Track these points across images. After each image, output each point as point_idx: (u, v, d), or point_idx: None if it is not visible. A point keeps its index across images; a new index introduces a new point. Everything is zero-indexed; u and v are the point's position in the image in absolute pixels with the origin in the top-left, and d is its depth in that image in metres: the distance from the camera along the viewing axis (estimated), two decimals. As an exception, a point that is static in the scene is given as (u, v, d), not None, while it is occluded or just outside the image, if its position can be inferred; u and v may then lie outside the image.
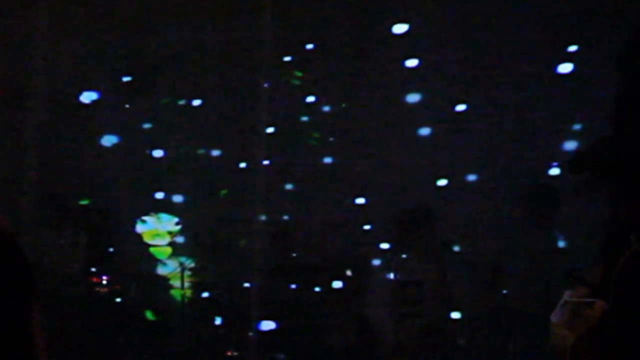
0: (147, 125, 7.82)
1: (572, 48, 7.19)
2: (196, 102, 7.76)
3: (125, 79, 7.75)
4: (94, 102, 7.68)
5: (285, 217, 7.71)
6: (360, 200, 7.50)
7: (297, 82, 7.53)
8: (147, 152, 7.72)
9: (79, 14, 7.57)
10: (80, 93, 7.69)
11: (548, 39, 7.08)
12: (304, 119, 7.71)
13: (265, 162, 7.45)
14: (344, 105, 7.46)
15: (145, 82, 7.68)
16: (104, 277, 7.48)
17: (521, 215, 6.82)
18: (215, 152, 7.71)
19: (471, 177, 7.34)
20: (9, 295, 1.39)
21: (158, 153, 7.75)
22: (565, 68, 7.12)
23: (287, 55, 7.52)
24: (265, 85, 7.49)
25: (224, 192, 7.68)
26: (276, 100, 7.55)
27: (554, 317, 1.81)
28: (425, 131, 7.38)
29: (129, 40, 7.67)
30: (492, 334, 6.61)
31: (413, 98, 7.38)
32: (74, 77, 7.68)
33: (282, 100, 7.56)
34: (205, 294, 7.51)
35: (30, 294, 1.44)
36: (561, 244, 6.88)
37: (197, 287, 7.51)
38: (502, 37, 7.12)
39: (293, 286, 7.39)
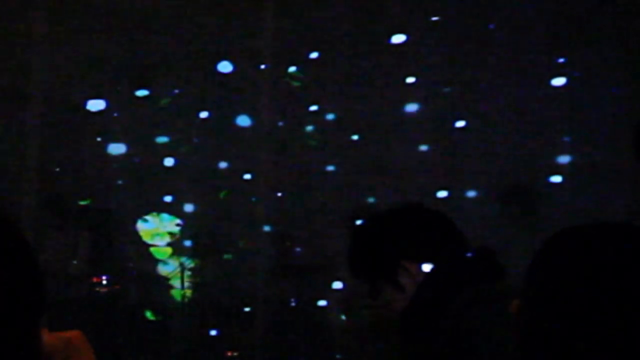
0: (148, 128, 7.83)
1: (562, 60, 7.21)
2: (196, 102, 7.76)
3: (126, 81, 7.75)
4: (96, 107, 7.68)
5: (285, 218, 7.73)
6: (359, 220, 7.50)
7: (297, 84, 7.54)
8: (148, 154, 7.72)
9: (79, 14, 7.56)
10: (81, 93, 7.69)
11: (545, 51, 7.11)
12: (304, 120, 7.72)
13: (266, 164, 7.46)
14: (356, 137, 7.47)
15: (147, 85, 7.69)
16: (104, 277, 7.48)
17: (513, 217, 6.82)
18: (222, 164, 7.70)
19: (468, 186, 7.36)
20: (13, 308, 1.22)
21: (164, 160, 7.75)
22: (559, 82, 7.14)
23: (289, 63, 7.54)
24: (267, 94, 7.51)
25: (224, 193, 7.69)
26: (277, 104, 7.56)
27: None
28: (424, 146, 7.41)
29: (129, 42, 7.67)
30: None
31: (412, 108, 7.40)
32: (75, 77, 7.68)
33: (283, 104, 7.58)
34: (205, 294, 7.52)
35: (38, 306, 1.26)
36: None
37: (197, 287, 7.51)
38: (501, 47, 7.15)
39: (292, 286, 7.40)
